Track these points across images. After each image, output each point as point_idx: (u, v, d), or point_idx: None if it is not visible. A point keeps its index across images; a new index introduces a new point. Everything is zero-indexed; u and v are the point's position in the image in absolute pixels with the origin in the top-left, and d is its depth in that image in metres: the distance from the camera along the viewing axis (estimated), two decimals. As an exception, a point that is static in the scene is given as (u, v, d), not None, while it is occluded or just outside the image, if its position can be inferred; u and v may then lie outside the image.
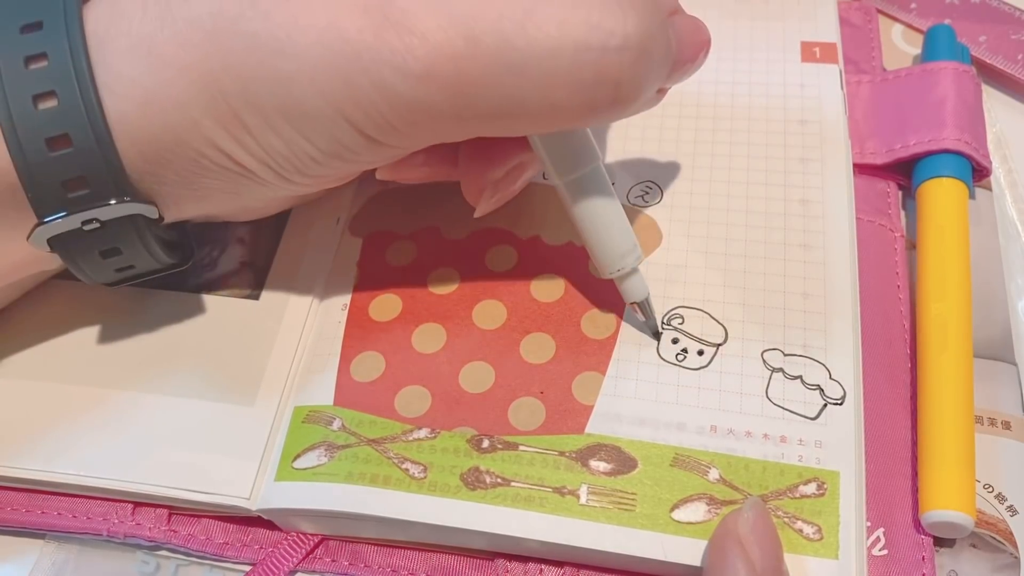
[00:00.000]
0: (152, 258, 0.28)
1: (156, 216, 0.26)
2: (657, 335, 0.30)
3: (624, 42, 0.23)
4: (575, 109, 0.24)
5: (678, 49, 0.25)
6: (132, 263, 0.28)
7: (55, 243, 0.26)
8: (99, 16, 0.24)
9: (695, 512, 0.26)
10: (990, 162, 0.34)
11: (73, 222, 0.25)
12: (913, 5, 0.41)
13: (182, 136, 0.24)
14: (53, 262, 0.27)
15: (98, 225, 0.25)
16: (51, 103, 0.24)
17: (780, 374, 0.28)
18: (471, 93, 0.23)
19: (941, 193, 0.33)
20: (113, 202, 0.25)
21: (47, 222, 0.25)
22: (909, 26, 0.41)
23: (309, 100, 0.23)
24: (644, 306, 0.29)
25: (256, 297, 0.32)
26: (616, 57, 0.23)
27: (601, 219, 0.28)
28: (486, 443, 0.28)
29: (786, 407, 0.28)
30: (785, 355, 0.29)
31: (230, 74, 0.23)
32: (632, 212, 0.33)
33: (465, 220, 0.33)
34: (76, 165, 0.24)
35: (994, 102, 0.38)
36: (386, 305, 0.31)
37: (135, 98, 0.24)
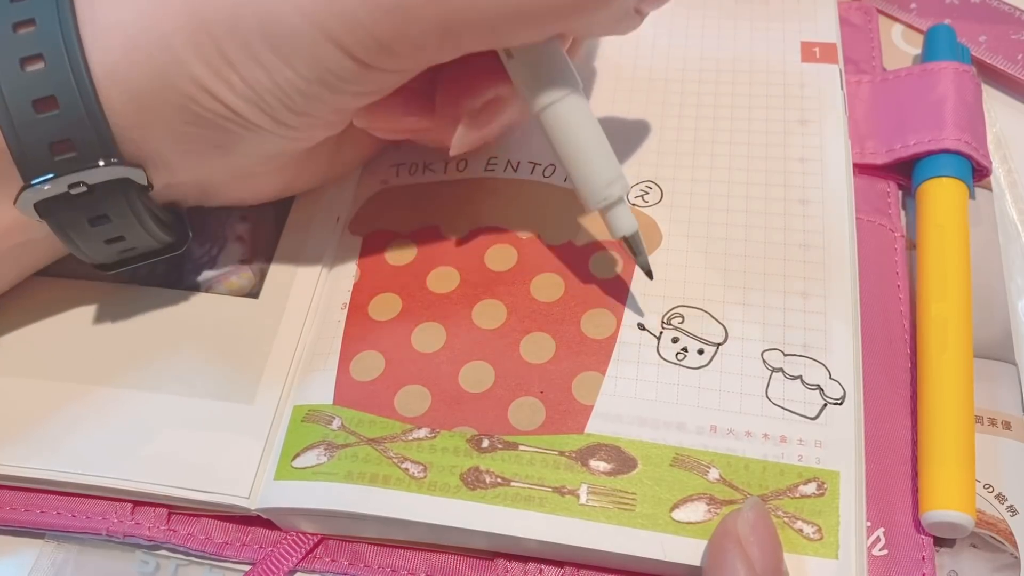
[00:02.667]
0: (145, 232, 0.28)
1: (144, 181, 0.26)
2: (650, 273, 0.29)
3: None
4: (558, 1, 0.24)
5: None
6: (123, 234, 0.28)
7: (42, 209, 0.25)
8: None
9: (695, 512, 0.26)
10: (990, 162, 0.34)
11: (60, 186, 0.25)
12: (913, 5, 0.41)
13: (168, 78, 0.24)
14: (41, 230, 0.27)
15: (85, 189, 0.25)
16: (38, 66, 0.24)
17: (780, 374, 0.28)
18: None
19: (941, 193, 0.33)
20: (100, 164, 0.25)
21: (33, 185, 0.25)
22: (909, 26, 0.40)
23: (292, 22, 0.23)
24: (634, 241, 0.28)
25: (255, 295, 0.32)
26: None
27: (583, 147, 0.27)
28: (486, 443, 0.28)
29: (786, 407, 0.28)
30: (785, 355, 0.29)
31: (212, 2, 0.24)
32: (633, 213, 0.33)
33: (465, 219, 0.33)
34: (63, 127, 0.24)
35: (994, 102, 0.38)
36: (386, 304, 0.31)
37: (120, 45, 0.24)
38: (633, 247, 0.29)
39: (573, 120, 0.27)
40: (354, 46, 0.24)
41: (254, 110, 0.25)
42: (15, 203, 0.25)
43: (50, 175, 0.25)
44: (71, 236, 0.27)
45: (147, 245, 0.29)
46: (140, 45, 0.24)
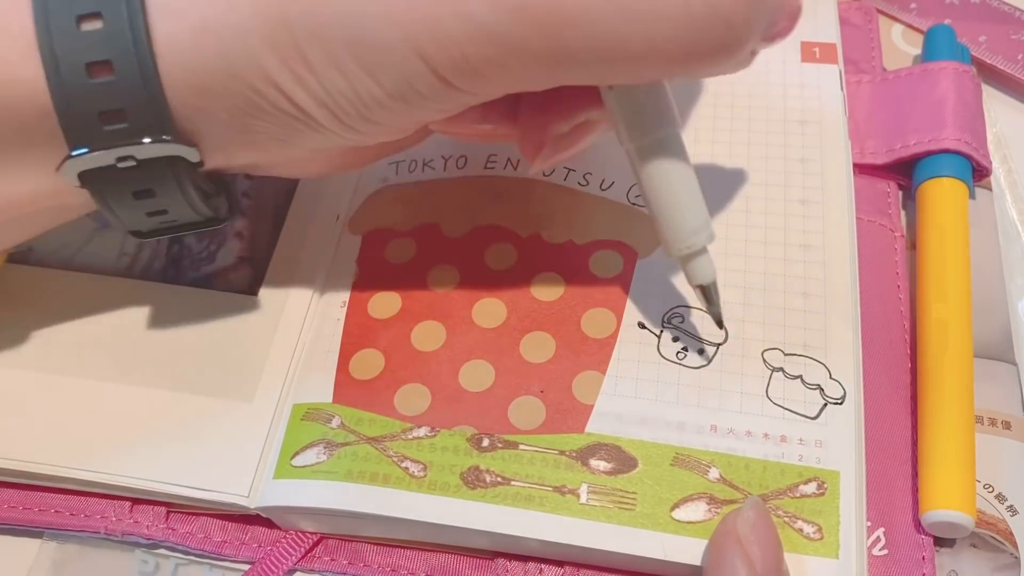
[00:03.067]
0: (189, 207, 0.26)
1: (197, 160, 0.24)
2: (720, 323, 0.28)
3: None
4: (677, 50, 0.22)
5: (777, 5, 0.24)
6: (166, 208, 0.26)
7: (86, 178, 0.24)
8: None
9: (695, 511, 0.26)
10: (990, 162, 0.34)
11: (107, 158, 0.23)
12: (913, 5, 0.41)
13: (237, 69, 0.23)
14: (79, 197, 0.25)
15: (134, 164, 0.24)
16: (96, 24, 0.22)
17: (780, 373, 0.28)
18: (567, 28, 0.21)
19: (941, 193, 0.33)
20: (147, 141, 0.23)
21: (77, 155, 0.23)
22: (909, 26, 0.40)
23: (382, 33, 0.22)
24: (710, 291, 0.27)
25: (255, 293, 0.32)
26: None
27: (675, 190, 0.26)
28: (486, 442, 0.28)
29: (786, 407, 0.28)
30: (785, 355, 0.29)
31: (298, 1, 0.22)
32: (632, 212, 0.33)
33: (465, 217, 0.33)
34: (116, 96, 0.23)
35: (994, 102, 0.38)
36: (385, 303, 0.31)
37: (190, 22, 0.22)
38: (708, 296, 0.28)
39: (669, 161, 0.26)
40: (445, 67, 0.22)
41: (325, 113, 0.24)
42: (58, 170, 0.24)
43: (97, 146, 0.23)
44: (112, 206, 0.25)
45: (188, 218, 0.27)
46: (212, 27, 0.22)
